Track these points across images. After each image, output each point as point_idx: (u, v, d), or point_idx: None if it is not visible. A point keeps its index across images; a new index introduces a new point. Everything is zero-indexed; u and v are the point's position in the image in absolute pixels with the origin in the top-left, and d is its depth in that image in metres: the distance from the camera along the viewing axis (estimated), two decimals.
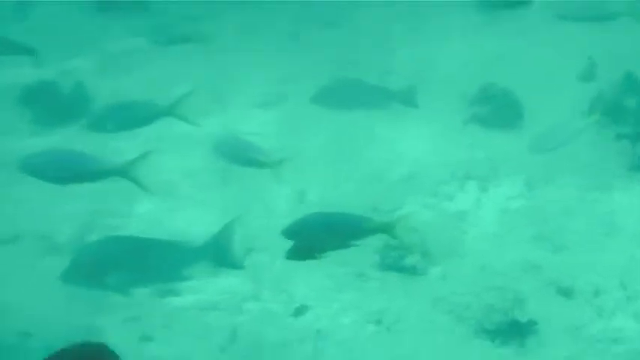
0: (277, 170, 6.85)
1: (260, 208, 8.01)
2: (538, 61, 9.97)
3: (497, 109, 9.00)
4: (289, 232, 5.47)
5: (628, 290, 6.77)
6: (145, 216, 8.03)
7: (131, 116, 6.91)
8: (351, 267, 7.16)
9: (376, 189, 8.15)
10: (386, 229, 5.47)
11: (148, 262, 5.80)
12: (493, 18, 10.91)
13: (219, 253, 5.77)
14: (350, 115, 8.82)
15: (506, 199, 7.94)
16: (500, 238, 7.49)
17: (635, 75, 9.06)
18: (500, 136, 8.88)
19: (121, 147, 9.11)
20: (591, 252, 7.23)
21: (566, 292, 6.78)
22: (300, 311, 6.80)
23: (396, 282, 7.03)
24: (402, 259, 7.11)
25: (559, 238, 7.39)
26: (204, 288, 7.02)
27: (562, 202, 7.86)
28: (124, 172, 6.14)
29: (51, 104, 9.72)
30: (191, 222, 7.85)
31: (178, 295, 6.94)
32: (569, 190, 8.01)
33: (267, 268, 7.15)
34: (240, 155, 7.02)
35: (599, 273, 6.96)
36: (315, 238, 5.41)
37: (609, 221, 7.58)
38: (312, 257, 5.41)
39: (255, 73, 10.29)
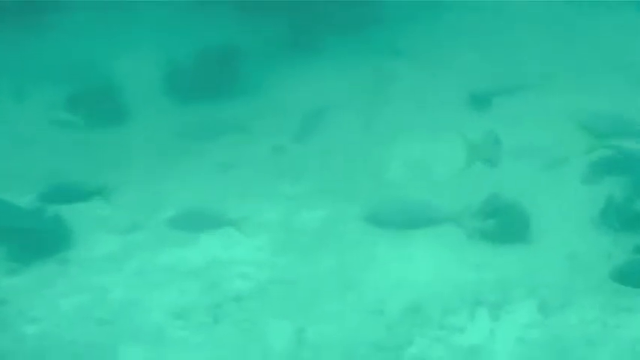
0: None
1: (255, 350, 7.45)
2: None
3: (503, 222, 8.38)
4: None
5: None
6: None
7: None
8: None
9: (379, 323, 7.54)
10: None
11: None
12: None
13: None
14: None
15: (521, 328, 7.33)
16: None
17: None
18: (508, 253, 8.28)
19: (104, 281, 8.56)
20: None
21: None
22: None
23: None
24: None
25: None
26: None
27: (582, 328, 7.26)
28: None
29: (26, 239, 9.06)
30: None
31: None
32: (588, 314, 7.41)
33: None
34: None
35: None
36: None
37: (636, 350, 6.98)
38: None
39: None
